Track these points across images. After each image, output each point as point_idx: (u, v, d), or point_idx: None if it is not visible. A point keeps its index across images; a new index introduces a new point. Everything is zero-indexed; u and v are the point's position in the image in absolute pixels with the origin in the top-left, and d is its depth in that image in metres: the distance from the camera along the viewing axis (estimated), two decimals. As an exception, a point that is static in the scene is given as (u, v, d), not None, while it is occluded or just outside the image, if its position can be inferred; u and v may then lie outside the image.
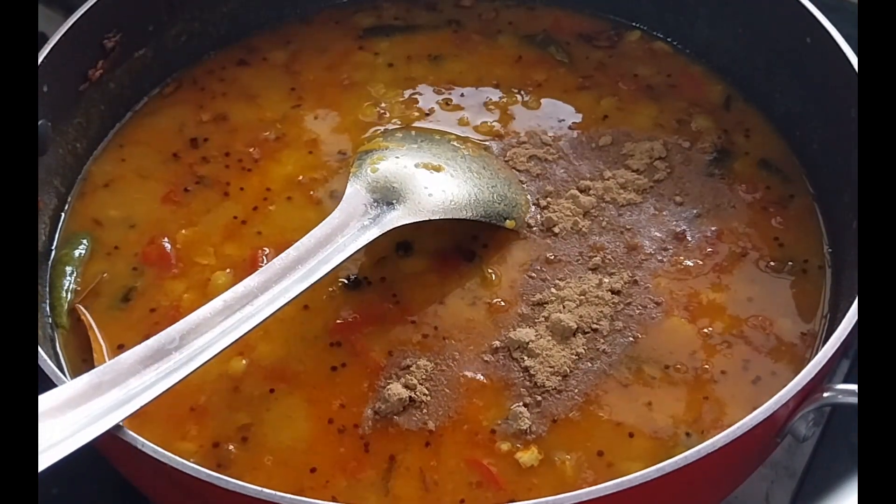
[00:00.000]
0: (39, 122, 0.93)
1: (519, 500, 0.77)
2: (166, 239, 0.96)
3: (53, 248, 0.97)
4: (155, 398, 0.74)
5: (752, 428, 0.70)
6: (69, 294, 0.93)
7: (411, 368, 0.85)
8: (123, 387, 0.73)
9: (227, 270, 0.93)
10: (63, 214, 1.00)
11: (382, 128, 1.06)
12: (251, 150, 1.04)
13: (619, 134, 1.03)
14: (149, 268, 0.95)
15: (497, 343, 0.87)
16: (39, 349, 0.75)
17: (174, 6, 1.10)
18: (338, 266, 0.85)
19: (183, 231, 0.97)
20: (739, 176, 1.00)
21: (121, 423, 0.71)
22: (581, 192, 0.98)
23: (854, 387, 0.73)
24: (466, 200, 0.94)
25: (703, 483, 0.77)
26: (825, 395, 0.75)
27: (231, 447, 0.82)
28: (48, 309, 0.92)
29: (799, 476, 0.96)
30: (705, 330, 0.89)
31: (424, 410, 0.83)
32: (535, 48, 1.14)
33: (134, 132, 1.07)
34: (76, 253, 0.96)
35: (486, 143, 1.04)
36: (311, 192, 1.00)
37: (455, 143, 1.02)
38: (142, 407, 0.73)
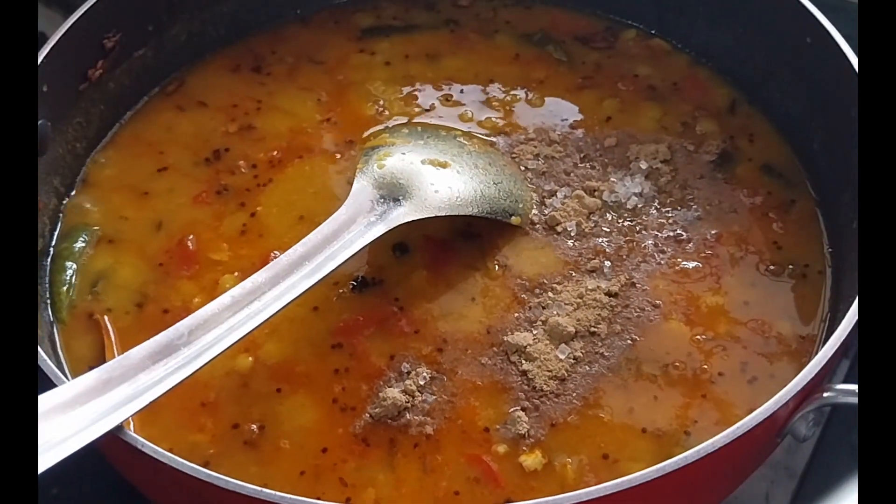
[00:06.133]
0: (39, 122, 0.93)
1: (516, 501, 0.78)
2: (191, 238, 0.97)
3: (52, 246, 0.97)
4: (164, 393, 0.74)
5: (753, 428, 0.71)
6: (70, 289, 0.93)
7: (410, 373, 0.85)
8: (132, 382, 0.74)
9: (235, 274, 0.93)
10: (61, 214, 1.00)
11: (383, 125, 1.06)
12: (274, 153, 1.04)
13: (623, 136, 1.04)
14: (170, 268, 0.95)
15: (495, 347, 0.87)
16: (39, 349, 0.75)
17: (173, 6, 1.10)
18: (344, 263, 0.85)
19: (203, 234, 0.97)
20: (742, 180, 1.00)
21: (124, 422, 0.72)
22: (586, 192, 0.98)
23: (854, 387, 0.74)
24: (472, 197, 0.95)
25: (703, 483, 0.77)
26: (825, 394, 0.75)
27: (253, 427, 0.83)
28: (48, 305, 0.93)
29: (799, 476, 0.96)
30: (703, 332, 0.89)
31: (422, 415, 0.84)
32: (532, 47, 1.15)
33: (137, 133, 1.07)
34: (76, 247, 0.96)
35: (492, 139, 1.04)
36: (317, 195, 1.00)
37: (461, 140, 1.02)
38: (151, 402, 0.73)
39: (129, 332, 0.90)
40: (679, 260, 0.94)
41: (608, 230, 0.95)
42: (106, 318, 0.91)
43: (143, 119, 1.08)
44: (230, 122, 1.07)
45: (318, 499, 0.78)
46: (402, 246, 0.94)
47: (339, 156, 1.03)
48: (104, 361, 0.84)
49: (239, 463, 0.81)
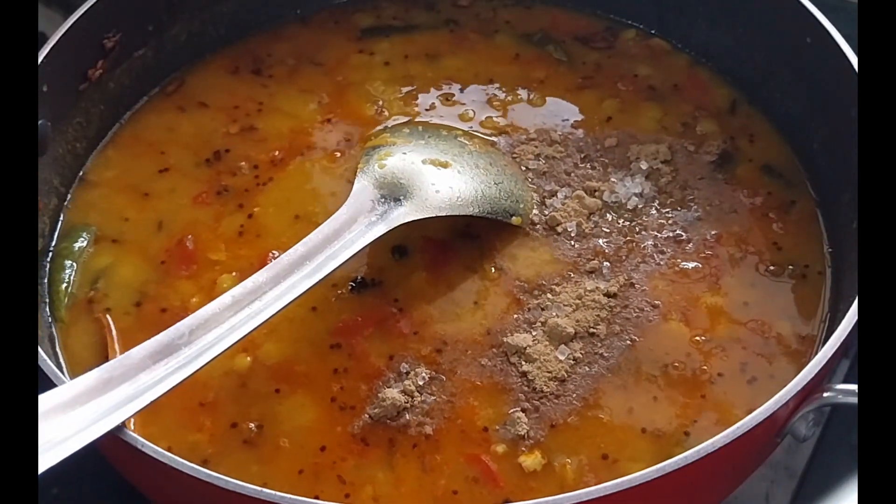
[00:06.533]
0: (39, 122, 0.93)
1: (514, 501, 0.78)
2: (189, 238, 0.97)
3: (52, 246, 0.98)
4: (165, 393, 0.74)
5: (753, 428, 0.71)
6: (70, 288, 0.94)
7: (409, 373, 0.85)
8: (133, 382, 0.74)
9: (234, 274, 0.93)
10: (62, 213, 1.00)
11: (383, 125, 1.06)
12: (276, 153, 1.04)
13: (624, 136, 1.04)
14: (170, 268, 0.95)
15: (494, 348, 0.87)
16: (39, 349, 0.75)
17: (173, 6, 1.10)
18: (344, 262, 0.85)
19: (203, 234, 0.97)
20: (742, 181, 1.00)
21: (125, 422, 0.72)
22: (586, 192, 0.98)
23: (854, 387, 0.74)
24: (473, 197, 0.95)
25: (703, 483, 0.77)
26: (825, 394, 0.75)
27: (252, 425, 0.83)
28: (47, 304, 0.93)
29: (799, 476, 0.96)
30: (703, 333, 0.89)
31: (422, 415, 0.83)
32: (532, 47, 1.15)
33: (137, 133, 1.07)
34: (76, 246, 0.96)
35: (493, 139, 1.04)
36: (316, 195, 1.00)
37: (462, 140, 1.03)
38: (152, 402, 0.73)
39: (128, 331, 0.90)
40: (679, 260, 0.94)
41: (608, 230, 0.96)
42: (108, 316, 0.91)
43: (143, 119, 1.08)
44: (231, 122, 1.07)
45: (317, 496, 0.78)
46: (400, 248, 0.94)
47: (339, 156, 1.03)
48: (104, 360, 0.84)
49: (238, 462, 0.81)
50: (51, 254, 0.97)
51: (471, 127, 1.05)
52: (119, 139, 1.07)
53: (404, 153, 0.97)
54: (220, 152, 1.04)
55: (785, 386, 0.73)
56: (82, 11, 0.99)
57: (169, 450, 0.72)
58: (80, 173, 1.03)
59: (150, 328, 0.82)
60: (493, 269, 0.93)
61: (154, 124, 1.08)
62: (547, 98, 1.08)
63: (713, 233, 0.96)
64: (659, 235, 0.95)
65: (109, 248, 0.97)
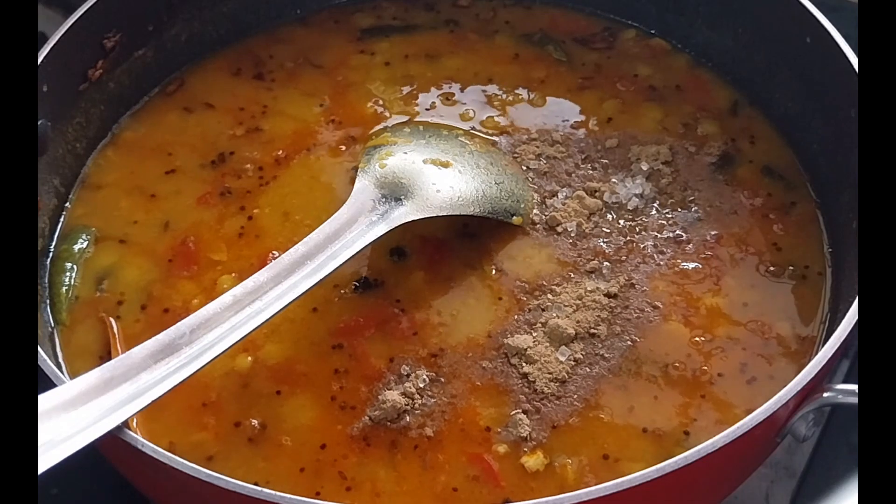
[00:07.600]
0: (39, 122, 0.94)
1: (515, 501, 0.78)
2: (191, 239, 0.97)
3: (52, 246, 0.98)
4: (166, 393, 0.74)
5: (753, 428, 0.71)
6: (70, 291, 0.94)
7: (410, 375, 0.85)
8: (134, 381, 0.74)
9: (233, 274, 0.93)
10: (63, 214, 1.00)
11: (384, 125, 1.06)
12: (279, 153, 1.04)
13: (625, 137, 1.04)
14: (172, 269, 0.95)
15: (495, 349, 0.87)
16: (39, 349, 0.75)
17: (173, 6, 1.10)
18: (345, 262, 0.85)
19: (204, 235, 0.97)
20: (742, 182, 1.00)
21: (126, 422, 0.72)
22: (587, 193, 0.98)
23: (854, 387, 0.74)
24: (474, 197, 0.95)
25: (703, 483, 0.77)
26: (825, 394, 0.75)
27: (255, 422, 0.83)
28: (48, 305, 0.93)
29: (799, 476, 0.96)
30: (703, 333, 0.89)
31: (422, 417, 0.83)
32: (532, 47, 1.15)
33: (138, 133, 1.07)
34: (76, 248, 0.96)
35: (494, 138, 1.04)
36: (318, 196, 1.00)
37: (463, 139, 1.03)
38: (153, 402, 0.73)
39: (130, 331, 0.90)
40: (679, 261, 0.94)
41: (608, 231, 0.96)
42: (110, 318, 0.91)
43: (144, 119, 1.08)
44: (237, 125, 1.07)
45: (318, 493, 0.78)
46: (399, 250, 0.94)
47: (340, 156, 1.03)
48: (106, 361, 0.84)
49: (245, 458, 0.82)
50: (51, 255, 0.97)
51: (471, 126, 1.05)
52: (119, 139, 1.07)
53: (405, 153, 0.97)
54: (224, 154, 1.04)
55: (785, 386, 0.73)
56: (82, 11, 0.99)
57: (172, 447, 0.71)
58: (81, 174, 1.03)
59: (153, 328, 0.82)
60: (493, 270, 0.93)
61: (156, 125, 1.08)
62: (547, 98, 1.08)
63: (713, 233, 0.96)
64: (659, 236, 0.95)
65: (113, 249, 0.97)
